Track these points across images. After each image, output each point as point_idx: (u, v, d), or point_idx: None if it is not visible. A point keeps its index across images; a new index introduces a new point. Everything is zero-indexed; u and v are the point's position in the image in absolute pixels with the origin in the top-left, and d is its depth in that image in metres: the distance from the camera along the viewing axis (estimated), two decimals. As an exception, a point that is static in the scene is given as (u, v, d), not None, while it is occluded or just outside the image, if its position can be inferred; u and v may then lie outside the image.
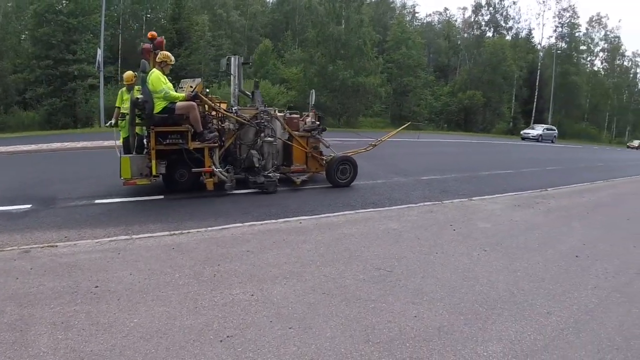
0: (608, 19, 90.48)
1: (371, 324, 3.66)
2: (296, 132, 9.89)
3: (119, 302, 3.76)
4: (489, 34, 63.65)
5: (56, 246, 5.12)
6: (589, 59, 72.41)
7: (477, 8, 63.85)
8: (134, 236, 5.57)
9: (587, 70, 70.56)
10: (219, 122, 9.01)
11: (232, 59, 10.06)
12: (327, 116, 35.70)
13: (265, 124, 9.33)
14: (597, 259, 5.97)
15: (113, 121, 10.09)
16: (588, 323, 4.05)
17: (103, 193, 8.26)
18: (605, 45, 72.85)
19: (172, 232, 5.77)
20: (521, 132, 45.92)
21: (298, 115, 10.39)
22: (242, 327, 3.47)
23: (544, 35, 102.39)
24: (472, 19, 65.57)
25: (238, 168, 9.26)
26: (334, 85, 37.59)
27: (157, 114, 7.86)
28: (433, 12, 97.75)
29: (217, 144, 8.56)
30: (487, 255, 5.68)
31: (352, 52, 38.23)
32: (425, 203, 8.60)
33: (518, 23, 67.93)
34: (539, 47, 66.38)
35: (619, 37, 73.46)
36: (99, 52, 26.50)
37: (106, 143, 15.42)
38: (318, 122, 10.36)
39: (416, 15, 76.42)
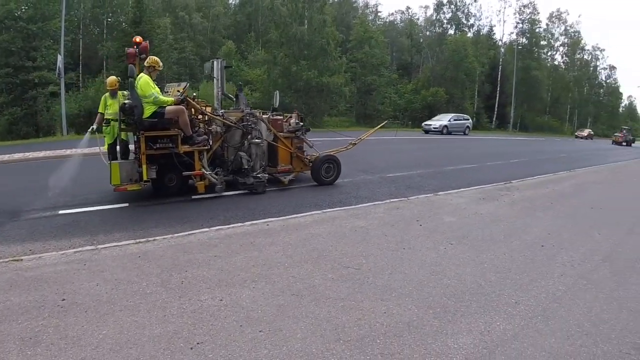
0: (568, 14, 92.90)
1: (341, 322, 3.65)
2: (281, 133, 10.01)
3: (87, 314, 3.64)
4: (451, 31, 64.45)
5: (21, 260, 4.93)
6: (549, 53, 74.53)
7: (438, 6, 64.63)
8: (100, 246, 5.41)
9: (548, 65, 72.47)
10: (206, 126, 9.08)
11: (215, 62, 10.08)
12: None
13: (252, 126, 9.40)
14: (563, 248, 6.09)
15: (95, 126, 9.78)
16: (556, 310, 4.11)
17: (67, 203, 8.01)
18: (566, 40, 75.16)
19: (138, 240, 5.63)
20: (422, 125, 39.14)
21: (282, 117, 10.53)
22: (212, 333, 3.41)
23: (505, 31, 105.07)
24: (434, 17, 66.35)
25: (226, 170, 9.30)
26: (298, 86, 37.46)
27: (147, 119, 7.88)
28: (395, 11, 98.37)
29: (206, 147, 8.67)
30: (454, 249, 5.73)
31: (316, 52, 38.16)
32: (392, 200, 8.64)
33: (479, 20, 69.05)
34: (500, 43, 67.90)
35: (578, 32, 76.08)
36: (60, 58, 25.83)
37: (69, 152, 15.00)
38: (302, 123, 10.56)
39: (379, 14, 76.99)
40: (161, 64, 8.40)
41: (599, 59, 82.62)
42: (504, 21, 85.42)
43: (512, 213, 8.04)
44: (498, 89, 60.03)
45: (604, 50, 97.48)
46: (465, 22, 65.75)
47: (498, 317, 3.88)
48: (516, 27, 66.41)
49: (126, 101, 8.27)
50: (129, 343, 3.24)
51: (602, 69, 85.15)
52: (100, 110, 9.85)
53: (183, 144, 8.23)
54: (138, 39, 8.53)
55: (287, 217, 7.07)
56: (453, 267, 5.05)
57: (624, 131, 51.74)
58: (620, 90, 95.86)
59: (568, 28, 74.38)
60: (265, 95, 35.65)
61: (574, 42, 75.68)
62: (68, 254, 5.11)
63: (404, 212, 7.61)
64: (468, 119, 41.12)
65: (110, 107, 9.53)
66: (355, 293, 4.22)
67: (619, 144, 48.76)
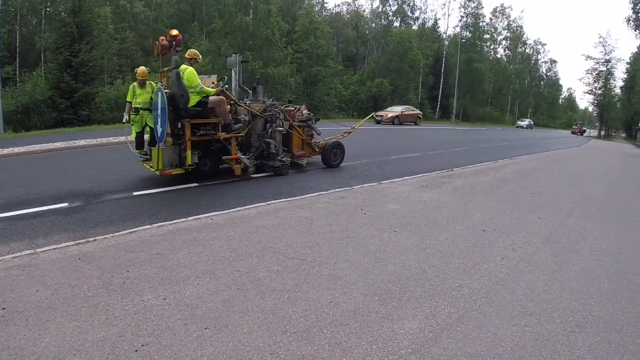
0: (511, 9, 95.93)
1: (287, 314, 3.61)
2: (295, 123, 11.02)
3: (28, 323, 3.45)
4: (396, 23, 65.22)
5: (-41, 270, 4.62)
6: (492, 47, 77.18)
7: (384, -1, 65.16)
8: (39, 250, 5.10)
9: (491, 58, 74.85)
10: (234, 115, 9.83)
11: (233, 57, 11.21)
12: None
13: (276, 115, 10.33)
14: (504, 232, 6.25)
15: (127, 116, 10.03)
16: (499, 292, 4.21)
17: (3, 205, 7.52)
18: (508, 34, 77.74)
19: (78, 241, 5.34)
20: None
21: (294, 108, 11.46)
22: (156, 333, 3.29)
23: (450, 24, 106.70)
24: (380, 10, 66.82)
25: (254, 155, 10.16)
26: (243, 77, 37.01)
27: (192, 108, 8.66)
28: (342, 3, 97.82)
29: (242, 134, 9.71)
30: (398, 236, 5.78)
31: (261, 43, 37.80)
32: (336, 189, 8.63)
33: (424, 13, 70.41)
34: (444, 36, 69.19)
35: (521, 27, 79.10)
36: (-4, 51, 24.57)
37: (6, 151, 14.23)
38: (311, 114, 11.80)
39: (325, 5, 76.82)
40: (201, 56, 9.27)
41: (540, 52, 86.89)
42: (449, 15, 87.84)
43: (455, 199, 8.20)
44: (442, 81, 61.29)
45: (545, 44, 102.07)
46: (410, 14, 66.67)
47: (442, 301, 3.93)
48: (460, 20, 68.10)
49: (166, 91, 8.61)
50: (72, 350, 3.09)
51: (543, 62, 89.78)
52: (128, 99, 10.03)
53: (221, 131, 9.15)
54: (174, 32, 9.21)
55: (231, 210, 6.91)
56: (397, 254, 5.08)
57: (579, 124, 72.01)
58: (560, 82, 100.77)
59: (511, 23, 77.20)
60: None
61: (516, 37, 78.58)
62: (6, 260, 4.80)
63: (348, 202, 7.62)
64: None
65: (139, 96, 9.78)
66: (301, 284, 4.19)
67: (576, 133, 64.58)
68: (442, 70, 61.24)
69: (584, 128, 74.34)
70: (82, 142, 15.43)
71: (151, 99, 9.46)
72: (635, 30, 30.70)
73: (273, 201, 7.55)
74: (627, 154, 28.90)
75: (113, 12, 42.43)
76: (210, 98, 8.86)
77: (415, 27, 65.67)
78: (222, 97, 9.13)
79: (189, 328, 3.37)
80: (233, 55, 11.32)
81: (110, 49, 39.22)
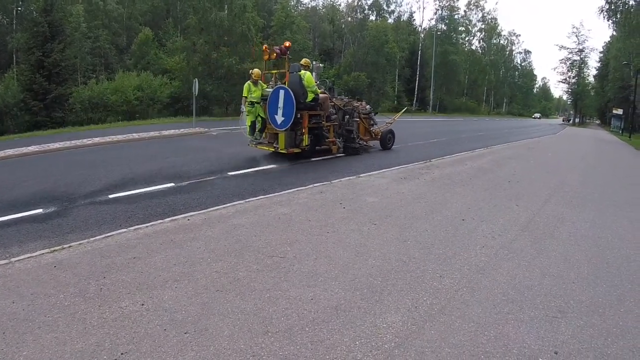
0: (485, 1, 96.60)
1: (268, 314, 3.54)
2: (362, 115, 13.77)
3: (5, 336, 3.32)
4: (372, 17, 65.38)
5: None
6: (467, 39, 77.71)
7: (360, -8, 65.23)
8: (13, 259, 4.91)
9: (466, 50, 75.30)
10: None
11: (315, 63, 13.42)
12: (214, 105, 34.90)
13: (354, 109, 13.25)
14: (483, 220, 6.29)
15: (244, 108, 12.60)
16: (480, 281, 4.22)
17: None
18: (483, 26, 78.33)
19: (53, 249, 5.17)
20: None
21: (359, 103, 14.23)
22: (135, 341, 3.20)
23: (425, 17, 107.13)
24: (356, 3, 66.87)
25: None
26: (219, 73, 36.25)
27: (309, 102, 11.28)
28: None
29: (337, 123, 12.70)
30: (377, 229, 5.76)
31: (237, 39, 37.30)
32: (315, 184, 8.55)
33: (400, 6, 70.58)
34: (420, 29, 69.72)
35: (495, 19, 80.00)
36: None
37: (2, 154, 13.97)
38: (371, 107, 14.95)
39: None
40: (311, 63, 12.14)
41: (514, 43, 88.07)
42: (424, 8, 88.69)
43: (433, 190, 8.22)
44: (418, 73, 61.86)
45: (519, 35, 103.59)
46: (386, 8, 67.09)
47: (424, 293, 3.92)
48: (435, 13, 68.58)
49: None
50: (51, 362, 2.99)
51: (517, 53, 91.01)
52: (244, 94, 12.58)
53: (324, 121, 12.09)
54: (288, 44, 12.18)
55: (209, 209, 6.77)
56: (377, 247, 5.06)
57: (567, 114, 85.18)
58: (535, 72, 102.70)
59: (485, 15, 77.79)
60: (185, 84, 34.50)
61: (491, 28, 79.48)
62: (-19, 272, 4.65)
63: (327, 196, 7.57)
64: None
65: (254, 92, 12.36)
66: (281, 282, 4.13)
67: (565, 121, 78.33)
68: (418, 63, 61.74)
69: (570, 118, 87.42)
70: (56, 145, 15.15)
71: (262, 94, 12.19)
72: (608, 21, 31.13)
73: (251, 199, 7.45)
74: (601, 140, 29.37)
75: (86, 10, 41.74)
76: (321, 95, 11.75)
77: (391, 21, 66.14)
78: (327, 95, 12.28)
79: (169, 333, 3.29)
80: (314, 62, 13.69)
81: (83, 48, 38.59)
